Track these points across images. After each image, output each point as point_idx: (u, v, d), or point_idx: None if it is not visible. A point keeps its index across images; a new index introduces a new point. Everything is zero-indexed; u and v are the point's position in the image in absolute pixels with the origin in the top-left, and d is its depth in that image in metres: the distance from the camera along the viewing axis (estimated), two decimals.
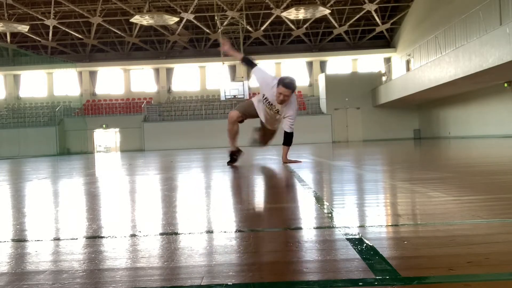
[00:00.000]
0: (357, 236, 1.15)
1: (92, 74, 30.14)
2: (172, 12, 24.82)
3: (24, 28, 23.52)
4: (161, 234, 1.30)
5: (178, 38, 28.37)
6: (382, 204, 1.77)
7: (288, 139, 4.54)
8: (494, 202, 1.68)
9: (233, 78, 28.77)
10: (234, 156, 4.79)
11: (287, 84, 4.18)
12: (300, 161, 4.80)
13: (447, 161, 4.58)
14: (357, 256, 0.97)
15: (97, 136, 28.36)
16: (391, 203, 1.78)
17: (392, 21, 27.10)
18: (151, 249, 1.12)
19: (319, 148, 11.89)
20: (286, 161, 4.63)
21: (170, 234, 1.29)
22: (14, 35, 28.07)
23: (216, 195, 2.39)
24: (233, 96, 25.44)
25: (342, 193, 2.17)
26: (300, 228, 1.30)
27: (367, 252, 0.99)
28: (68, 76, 29.06)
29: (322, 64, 29.52)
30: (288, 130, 4.47)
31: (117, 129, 27.55)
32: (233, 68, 29.33)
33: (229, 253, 1.05)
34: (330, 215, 1.50)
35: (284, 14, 23.27)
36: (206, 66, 29.92)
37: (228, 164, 4.74)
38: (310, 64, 29.60)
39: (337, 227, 1.28)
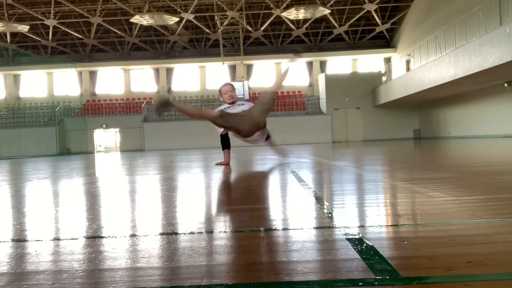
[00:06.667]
0: (357, 236, 1.15)
1: (92, 74, 30.13)
2: (172, 12, 24.81)
3: (24, 28, 23.51)
4: (161, 234, 1.30)
5: (178, 38, 28.37)
6: (382, 204, 1.77)
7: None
8: (494, 202, 1.67)
9: (233, 78, 28.77)
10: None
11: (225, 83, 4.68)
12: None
13: (447, 161, 4.58)
14: (357, 256, 0.97)
15: (97, 136, 28.33)
16: (391, 203, 1.78)
17: (392, 21, 27.09)
18: (151, 249, 1.12)
19: (319, 148, 11.89)
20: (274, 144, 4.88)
21: (170, 234, 1.29)
22: (14, 35, 28.06)
23: (215, 195, 2.39)
24: None
25: (342, 193, 2.17)
26: (300, 228, 1.30)
27: (367, 252, 0.99)
28: (68, 76, 29.04)
29: (322, 64, 29.51)
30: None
31: (117, 129, 27.54)
32: (233, 68, 29.33)
33: (229, 253, 1.05)
34: (330, 215, 1.50)
35: (284, 14, 23.26)
36: (206, 66, 29.91)
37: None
38: (310, 64, 29.59)
39: (337, 227, 1.28)
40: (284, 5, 23.87)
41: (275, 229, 1.31)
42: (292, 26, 27.12)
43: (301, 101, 27.83)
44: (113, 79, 30.33)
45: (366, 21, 27.83)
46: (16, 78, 30.10)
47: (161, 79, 30.02)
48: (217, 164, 4.95)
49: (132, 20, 22.90)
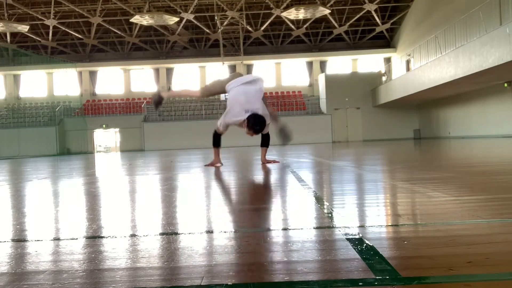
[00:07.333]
0: (357, 236, 1.15)
1: (92, 74, 30.14)
2: (172, 12, 24.81)
3: (24, 28, 23.52)
4: (161, 234, 1.30)
5: (178, 38, 28.37)
6: (382, 204, 1.77)
7: (266, 140, 4.85)
8: (494, 202, 1.67)
9: None
10: (159, 102, 4.81)
11: (255, 130, 4.20)
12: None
13: (447, 161, 4.58)
14: (357, 256, 0.97)
15: (97, 136, 28.35)
16: (391, 203, 1.78)
17: (392, 21, 27.10)
18: (151, 249, 1.12)
19: (319, 148, 11.89)
20: (265, 161, 4.85)
21: (170, 234, 1.29)
22: (14, 35, 28.07)
23: (216, 195, 2.39)
24: None
25: (342, 193, 2.17)
26: (300, 228, 1.30)
27: (367, 252, 0.99)
28: (68, 76, 29.06)
29: (322, 64, 29.52)
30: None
31: (117, 129, 27.55)
32: (233, 68, 29.33)
33: (229, 253, 1.05)
34: (330, 215, 1.50)
35: (284, 14, 23.26)
36: (206, 66, 29.92)
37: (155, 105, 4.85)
38: (310, 64, 29.60)
39: (337, 227, 1.28)
40: (284, 5, 23.88)
41: (275, 229, 1.31)
42: (292, 26, 27.12)
43: (301, 101, 27.84)
44: (113, 79, 30.34)
45: (366, 21, 27.84)
46: (16, 78, 30.11)
47: (161, 79, 30.02)
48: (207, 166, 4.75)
49: (132, 20, 22.90)
